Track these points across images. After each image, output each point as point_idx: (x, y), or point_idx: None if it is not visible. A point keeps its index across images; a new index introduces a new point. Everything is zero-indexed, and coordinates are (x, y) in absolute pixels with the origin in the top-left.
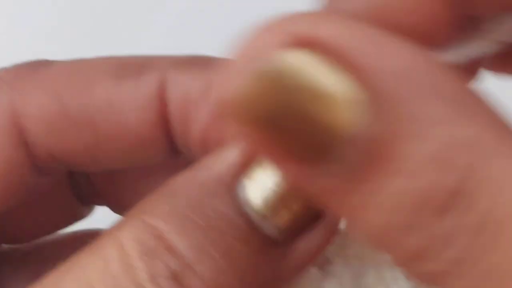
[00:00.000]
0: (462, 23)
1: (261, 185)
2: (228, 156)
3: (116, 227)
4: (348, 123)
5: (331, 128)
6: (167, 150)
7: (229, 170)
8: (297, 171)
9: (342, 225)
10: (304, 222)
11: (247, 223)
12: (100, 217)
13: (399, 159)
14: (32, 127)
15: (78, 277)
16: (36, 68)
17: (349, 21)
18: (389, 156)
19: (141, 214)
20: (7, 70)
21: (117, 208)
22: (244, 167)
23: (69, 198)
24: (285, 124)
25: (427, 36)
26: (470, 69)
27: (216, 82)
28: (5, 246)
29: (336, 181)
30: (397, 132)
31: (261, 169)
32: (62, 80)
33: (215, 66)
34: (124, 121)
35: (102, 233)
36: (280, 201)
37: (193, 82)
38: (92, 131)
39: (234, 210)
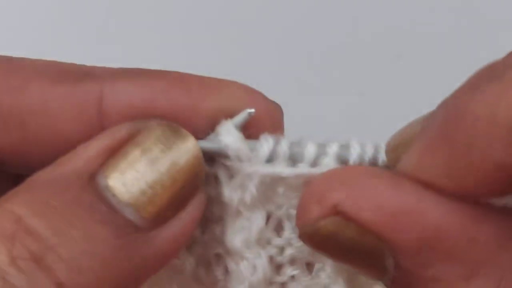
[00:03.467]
0: None
1: (122, 172)
2: (89, 149)
3: None
4: (383, 263)
5: (376, 265)
6: None
7: (90, 162)
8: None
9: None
10: (167, 210)
11: (108, 208)
12: None
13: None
14: None
15: None
16: None
17: (377, 195)
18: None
19: (3, 202)
20: None
21: None
22: (104, 159)
23: None
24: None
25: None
26: None
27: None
28: None
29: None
30: (408, 279)
31: (123, 157)
32: None
33: (156, 78)
34: (56, 126)
35: None
36: (141, 190)
37: (134, 91)
38: (21, 130)
39: (95, 195)
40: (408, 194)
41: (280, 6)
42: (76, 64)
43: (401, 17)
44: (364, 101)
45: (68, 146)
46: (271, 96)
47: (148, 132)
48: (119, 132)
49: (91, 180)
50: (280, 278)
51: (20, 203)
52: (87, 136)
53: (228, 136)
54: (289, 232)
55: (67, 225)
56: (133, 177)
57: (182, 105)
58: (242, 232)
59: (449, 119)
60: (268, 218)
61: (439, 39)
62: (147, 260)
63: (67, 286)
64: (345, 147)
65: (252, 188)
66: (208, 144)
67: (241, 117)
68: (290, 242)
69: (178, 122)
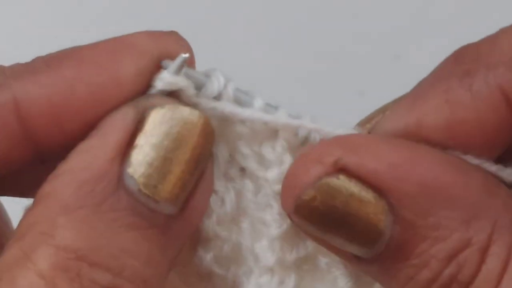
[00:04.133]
0: None
1: (145, 169)
2: (104, 150)
3: (22, 253)
4: (380, 224)
5: (371, 227)
6: (35, 159)
7: (112, 165)
8: (346, 258)
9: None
10: (193, 188)
11: (147, 209)
12: None
13: (416, 256)
14: None
15: None
16: None
17: (370, 152)
18: (408, 253)
19: (46, 238)
20: None
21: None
22: (123, 156)
23: None
24: (333, 233)
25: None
26: None
27: (282, 195)
28: None
29: (372, 268)
30: (414, 237)
31: (139, 152)
32: None
33: (67, 67)
34: None
35: (8, 258)
36: (168, 180)
37: (49, 89)
38: None
39: (132, 202)
40: (403, 147)
41: (280, 6)
42: None
43: (401, 17)
44: (364, 101)
45: None
46: (271, 95)
47: (150, 117)
48: (127, 121)
49: (121, 185)
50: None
51: (68, 236)
52: (13, 147)
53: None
54: (246, 180)
55: (123, 242)
56: (157, 170)
57: (99, 82)
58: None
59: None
60: (232, 157)
61: (439, 39)
62: (185, 237)
63: None
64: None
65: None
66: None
67: (178, 63)
68: (244, 191)
69: (174, 98)
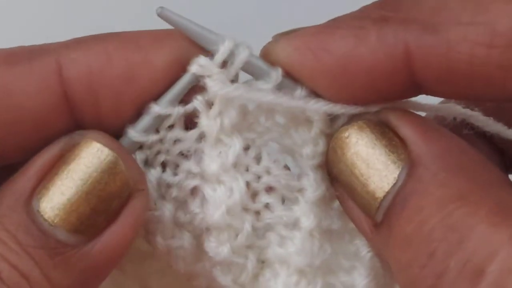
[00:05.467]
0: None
1: (51, 195)
2: (25, 172)
3: None
4: (391, 183)
5: (381, 186)
6: (65, 127)
7: (25, 186)
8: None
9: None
10: (96, 224)
11: (40, 231)
12: None
13: (415, 210)
14: None
15: None
16: None
17: (410, 113)
18: (412, 207)
19: None
20: None
21: None
22: (39, 180)
23: None
24: (348, 182)
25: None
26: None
27: None
28: None
29: (382, 228)
30: (421, 192)
31: (53, 178)
32: None
33: (108, 41)
34: (21, 105)
35: None
36: (68, 209)
37: (90, 56)
38: None
39: (28, 221)
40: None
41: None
42: (23, 46)
43: None
44: None
45: (37, 123)
46: None
47: (74, 151)
48: (52, 150)
49: (27, 204)
50: (255, 206)
51: None
52: (52, 109)
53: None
54: (268, 161)
55: (6, 252)
56: (59, 199)
57: (136, 61)
58: (219, 157)
59: None
60: (248, 147)
61: None
62: (86, 272)
63: None
64: None
65: (232, 113)
66: (183, 80)
67: (182, 84)
68: (268, 170)
69: (106, 137)
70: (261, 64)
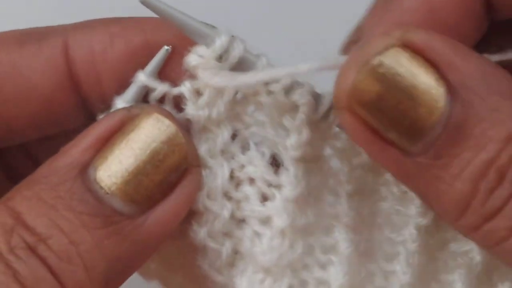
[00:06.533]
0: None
1: (109, 165)
2: (83, 140)
3: None
4: (438, 110)
5: (427, 113)
6: (79, 110)
7: (83, 155)
8: (391, 155)
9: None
10: (153, 195)
11: (96, 199)
12: None
13: (474, 137)
14: None
15: None
16: None
17: (438, 34)
18: (466, 134)
19: (6, 200)
20: None
21: None
22: (97, 150)
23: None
24: (391, 110)
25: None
26: None
27: (337, 79)
28: None
29: (424, 159)
30: (473, 117)
31: (111, 149)
32: None
33: (112, 24)
34: (30, 83)
35: None
36: (125, 178)
37: (94, 37)
38: None
39: (84, 188)
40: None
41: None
42: (37, 27)
43: None
44: None
45: (46, 101)
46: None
47: (134, 121)
48: (113, 119)
49: (82, 173)
50: (237, 195)
51: (20, 201)
52: (60, 87)
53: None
54: (253, 152)
55: (58, 219)
56: (117, 168)
57: (138, 43)
58: (207, 143)
59: None
60: (235, 136)
61: None
62: (137, 244)
63: (59, 273)
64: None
65: (220, 105)
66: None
67: (159, 56)
68: (253, 161)
69: (165, 111)
70: (251, 57)
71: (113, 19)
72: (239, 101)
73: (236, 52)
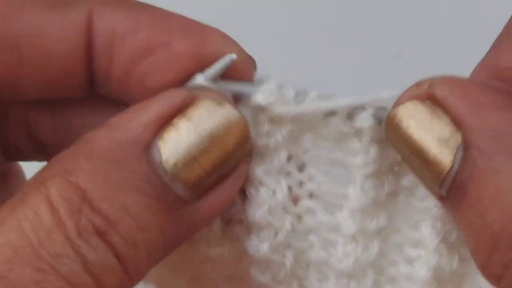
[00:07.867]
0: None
1: (174, 148)
2: (145, 115)
3: (41, 180)
4: (450, 162)
5: (437, 171)
6: (87, 83)
7: (145, 131)
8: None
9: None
10: (213, 182)
11: (161, 183)
12: None
13: (473, 197)
14: None
15: (13, 227)
16: None
17: (463, 88)
18: (468, 192)
19: (65, 173)
20: None
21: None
22: (159, 127)
23: None
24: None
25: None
26: None
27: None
28: None
29: (446, 204)
30: (477, 178)
31: (174, 130)
32: None
33: (141, 11)
34: (50, 48)
35: (28, 184)
36: (191, 164)
37: (120, 18)
38: (17, 54)
39: (149, 169)
40: (497, 92)
41: (279, 5)
42: None
43: (401, 17)
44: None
45: (61, 68)
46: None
47: (197, 104)
48: (176, 99)
49: (146, 152)
50: (297, 210)
51: (84, 177)
52: (76, 58)
53: (264, 86)
54: (312, 170)
55: (128, 201)
56: (184, 152)
57: (160, 42)
58: (263, 164)
59: None
60: (290, 157)
61: (438, 39)
62: (193, 227)
63: (126, 258)
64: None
65: (278, 137)
66: (237, 86)
67: (223, 62)
68: (312, 178)
69: (226, 96)
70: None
71: (147, 6)
72: (296, 131)
73: (292, 92)
